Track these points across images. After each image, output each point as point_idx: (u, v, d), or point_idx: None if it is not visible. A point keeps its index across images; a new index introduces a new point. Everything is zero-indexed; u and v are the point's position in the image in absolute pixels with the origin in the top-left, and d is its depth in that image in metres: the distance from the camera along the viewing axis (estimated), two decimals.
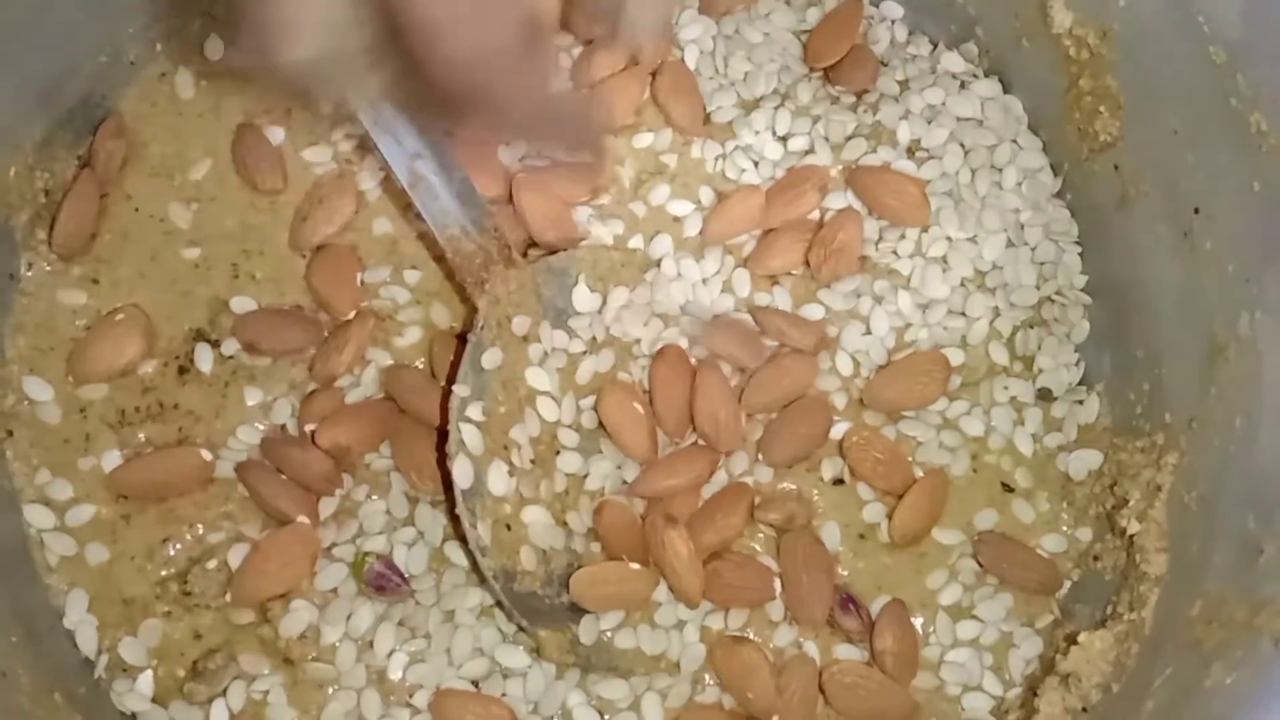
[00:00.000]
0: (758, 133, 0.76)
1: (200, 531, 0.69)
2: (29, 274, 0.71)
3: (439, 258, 0.73)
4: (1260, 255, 0.63)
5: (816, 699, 0.69)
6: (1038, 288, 0.75)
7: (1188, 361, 0.68)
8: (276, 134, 0.74)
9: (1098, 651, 0.66)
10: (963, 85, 0.78)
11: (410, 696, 0.67)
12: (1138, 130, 0.70)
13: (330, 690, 0.67)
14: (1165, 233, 0.69)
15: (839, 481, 0.72)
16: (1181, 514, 0.66)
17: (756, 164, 0.76)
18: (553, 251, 0.72)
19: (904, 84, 0.78)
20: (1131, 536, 0.68)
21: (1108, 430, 0.74)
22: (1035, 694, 0.67)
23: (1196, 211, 0.67)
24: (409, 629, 0.68)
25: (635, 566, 0.69)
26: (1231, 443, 0.64)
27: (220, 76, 0.75)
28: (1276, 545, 0.58)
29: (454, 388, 0.68)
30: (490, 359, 0.68)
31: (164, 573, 0.68)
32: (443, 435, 0.68)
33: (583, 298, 0.72)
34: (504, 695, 0.67)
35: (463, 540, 0.68)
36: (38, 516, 0.68)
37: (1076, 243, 0.76)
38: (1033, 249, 0.76)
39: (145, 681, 0.66)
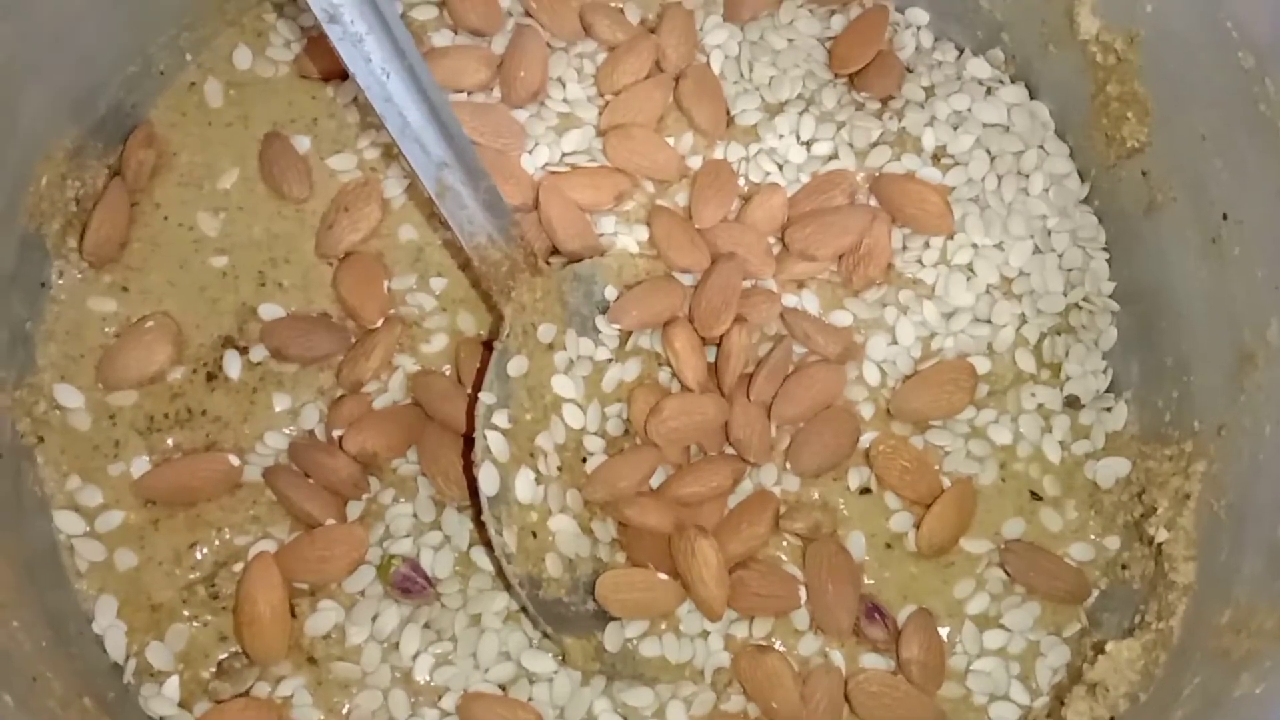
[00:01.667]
0: (781, 136, 0.76)
1: (227, 535, 0.70)
2: (60, 282, 0.72)
3: (464, 265, 0.73)
4: None
5: (842, 708, 0.69)
6: (1065, 294, 0.75)
7: (1216, 368, 0.67)
8: (303, 142, 0.75)
9: (1125, 661, 0.66)
10: (989, 91, 0.78)
11: (439, 699, 0.68)
12: (1165, 136, 0.70)
13: (355, 690, 0.68)
14: (1194, 239, 0.69)
15: (866, 491, 0.72)
16: (1210, 522, 0.66)
17: (781, 167, 0.76)
18: (577, 259, 0.73)
19: (929, 90, 0.78)
20: (1160, 545, 0.68)
21: (1135, 438, 0.73)
22: (1063, 703, 0.67)
23: (1225, 218, 0.66)
24: (435, 631, 0.69)
25: (662, 576, 0.69)
26: (1261, 450, 0.63)
27: (248, 85, 0.76)
28: None
29: (480, 395, 0.68)
30: (516, 366, 0.69)
31: (191, 576, 0.69)
32: (469, 442, 0.68)
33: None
34: (530, 700, 0.68)
35: (489, 545, 0.68)
36: (67, 522, 0.69)
37: (1104, 249, 0.76)
38: (1060, 255, 0.75)
39: (172, 686, 0.67)
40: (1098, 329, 0.75)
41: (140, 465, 0.70)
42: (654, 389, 0.72)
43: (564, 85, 0.76)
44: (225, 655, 0.68)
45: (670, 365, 0.72)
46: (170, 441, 0.71)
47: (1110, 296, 0.75)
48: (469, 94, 0.76)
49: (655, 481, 0.71)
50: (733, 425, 0.71)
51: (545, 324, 0.70)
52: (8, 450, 0.67)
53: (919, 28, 0.80)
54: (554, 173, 0.74)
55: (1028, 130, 0.77)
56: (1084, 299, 0.75)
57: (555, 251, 0.74)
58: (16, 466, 0.68)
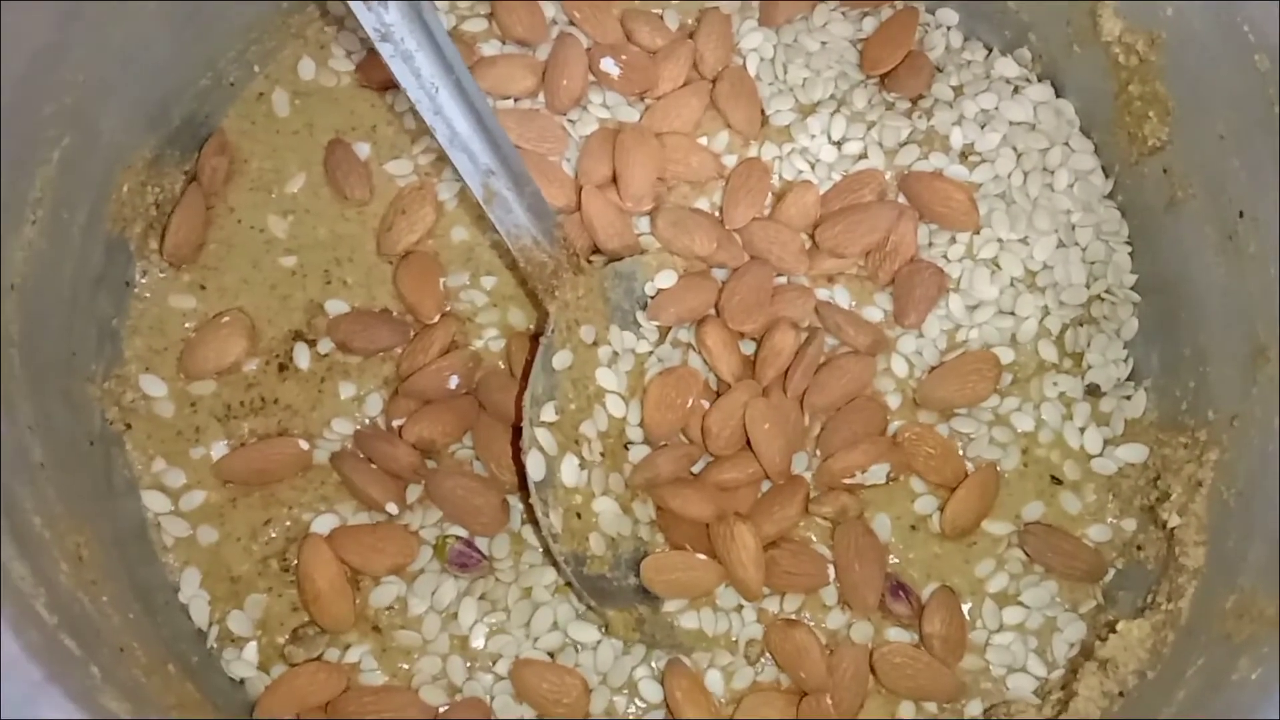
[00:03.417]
0: (814, 136, 0.79)
1: (298, 513, 0.74)
2: (143, 281, 0.76)
3: (512, 264, 0.77)
4: None
5: (867, 678, 0.72)
6: (1088, 286, 0.77)
7: (1231, 360, 0.69)
8: (363, 148, 0.79)
9: (1136, 639, 0.68)
10: (1016, 90, 0.79)
11: (493, 664, 0.72)
12: (1186, 135, 0.72)
13: (416, 656, 0.72)
14: (1211, 235, 0.71)
15: (892, 476, 0.75)
16: (1221, 510, 0.68)
17: (813, 166, 0.79)
18: (618, 258, 0.76)
19: (958, 89, 0.80)
20: (1172, 529, 0.70)
21: (1154, 425, 0.76)
22: (1076, 677, 0.70)
23: (1241, 215, 0.68)
24: (490, 603, 0.73)
25: (702, 557, 0.73)
26: (1270, 442, 0.65)
27: (312, 95, 0.80)
28: None
29: (527, 387, 0.72)
30: (560, 360, 0.72)
31: (266, 551, 0.74)
32: (518, 430, 0.72)
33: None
34: (576, 666, 0.72)
35: (538, 524, 0.72)
36: (154, 502, 0.74)
37: (1127, 242, 0.78)
38: (1083, 249, 0.77)
39: (251, 651, 0.72)
40: (1119, 319, 0.77)
41: (219, 449, 0.75)
42: (665, 380, 0.75)
43: (605, 90, 0.79)
44: (300, 624, 0.73)
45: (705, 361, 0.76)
46: (246, 427, 0.75)
47: (1132, 288, 0.77)
48: (515, 100, 0.79)
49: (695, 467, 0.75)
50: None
51: (587, 324, 0.73)
52: (98, 438, 0.72)
53: (949, 28, 0.82)
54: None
55: (1053, 128, 0.78)
56: (1106, 290, 0.77)
57: (596, 250, 0.77)
58: (106, 452, 0.73)
